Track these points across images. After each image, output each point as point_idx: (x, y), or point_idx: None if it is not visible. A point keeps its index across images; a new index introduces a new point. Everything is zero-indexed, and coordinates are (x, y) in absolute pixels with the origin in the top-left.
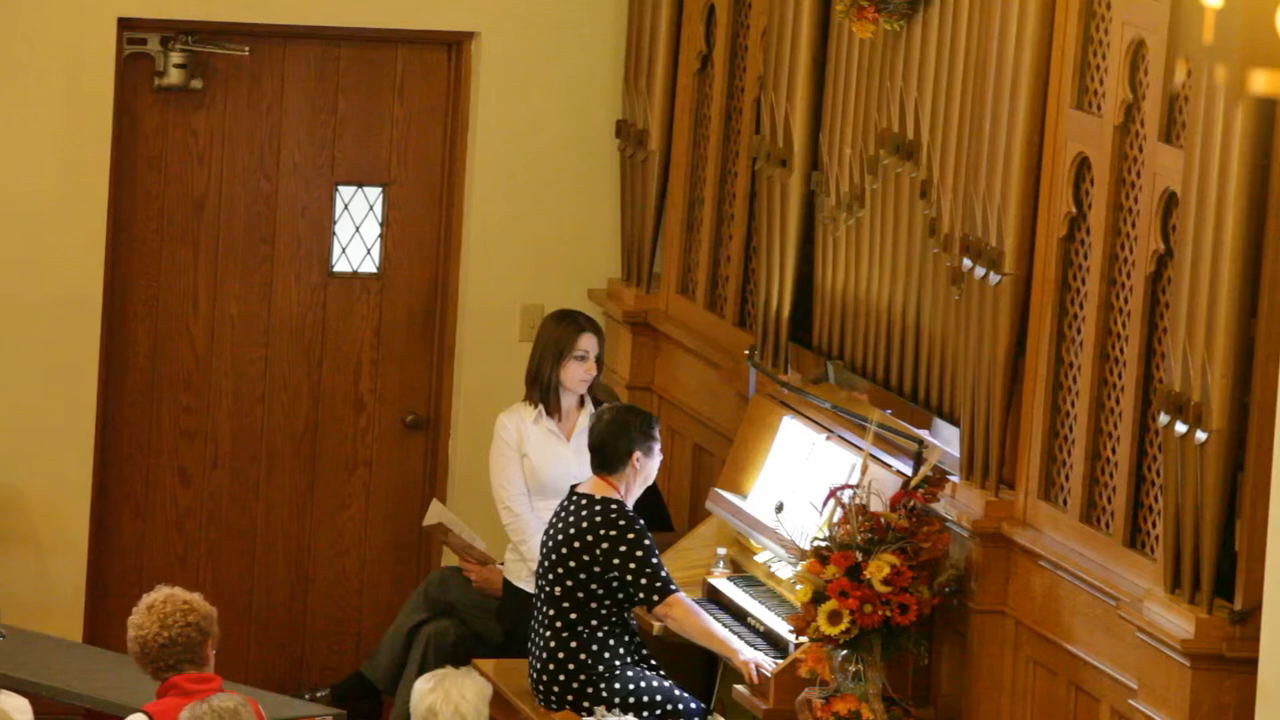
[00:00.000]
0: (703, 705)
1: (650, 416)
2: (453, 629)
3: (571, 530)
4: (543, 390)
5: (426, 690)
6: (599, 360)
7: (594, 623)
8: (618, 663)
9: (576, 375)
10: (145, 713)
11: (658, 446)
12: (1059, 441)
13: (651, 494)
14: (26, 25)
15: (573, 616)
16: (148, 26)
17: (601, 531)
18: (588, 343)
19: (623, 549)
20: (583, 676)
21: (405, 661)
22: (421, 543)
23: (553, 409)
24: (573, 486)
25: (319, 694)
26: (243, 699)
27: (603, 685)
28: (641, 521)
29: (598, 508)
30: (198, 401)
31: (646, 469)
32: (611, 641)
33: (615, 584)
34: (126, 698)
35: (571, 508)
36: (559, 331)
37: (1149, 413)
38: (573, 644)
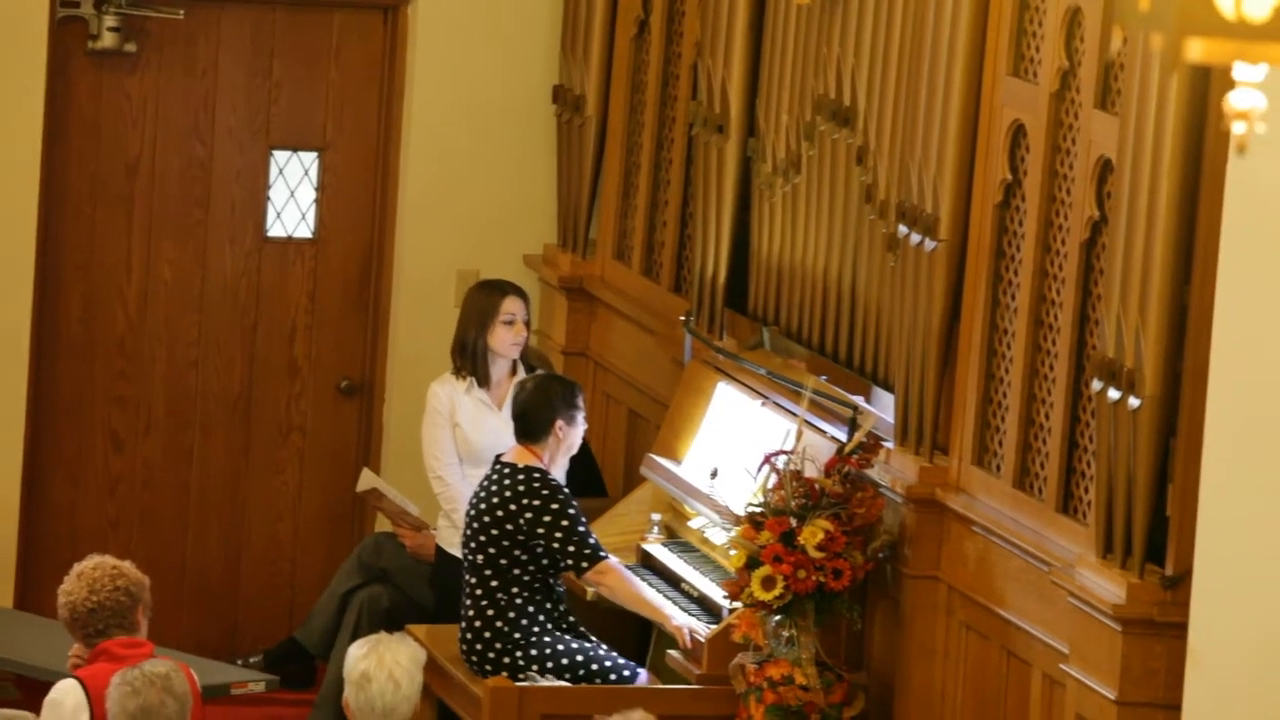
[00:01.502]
0: (634, 664)
1: (574, 385)
2: (386, 595)
3: (495, 499)
4: (471, 360)
5: (360, 655)
6: (527, 324)
7: (514, 589)
8: (535, 629)
9: (506, 340)
10: (77, 678)
11: (581, 415)
12: (993, 408)
13: (585, 459)
14: None
15: (494, 584)
16: None
17: (525, 501)
18: (513, 305)
19: (547, 519)
20: (498, 645)
21: (339, 627)
22: (355, 508)
23: (483, 379)
24: (497, 455)
25: (252, 659)
26: (174, 664)
27: (519, 652)
28: (566, 490)
29: (520, 476)
30: (131, 366)
31: (570, 437)
32: (531, 609)
33: (540, 551)
34: (57, 663)
35: (495, 476)
36: (482, 299)
37: (1082, 379)
38: (490, 612)
